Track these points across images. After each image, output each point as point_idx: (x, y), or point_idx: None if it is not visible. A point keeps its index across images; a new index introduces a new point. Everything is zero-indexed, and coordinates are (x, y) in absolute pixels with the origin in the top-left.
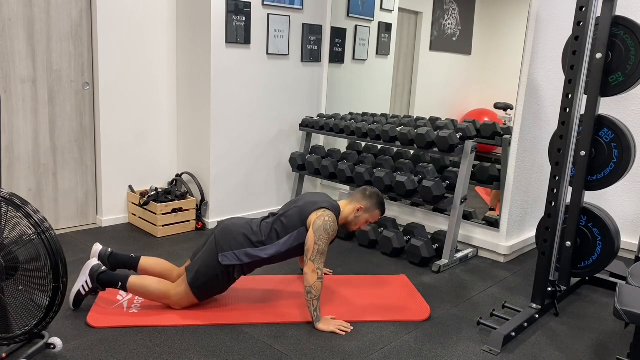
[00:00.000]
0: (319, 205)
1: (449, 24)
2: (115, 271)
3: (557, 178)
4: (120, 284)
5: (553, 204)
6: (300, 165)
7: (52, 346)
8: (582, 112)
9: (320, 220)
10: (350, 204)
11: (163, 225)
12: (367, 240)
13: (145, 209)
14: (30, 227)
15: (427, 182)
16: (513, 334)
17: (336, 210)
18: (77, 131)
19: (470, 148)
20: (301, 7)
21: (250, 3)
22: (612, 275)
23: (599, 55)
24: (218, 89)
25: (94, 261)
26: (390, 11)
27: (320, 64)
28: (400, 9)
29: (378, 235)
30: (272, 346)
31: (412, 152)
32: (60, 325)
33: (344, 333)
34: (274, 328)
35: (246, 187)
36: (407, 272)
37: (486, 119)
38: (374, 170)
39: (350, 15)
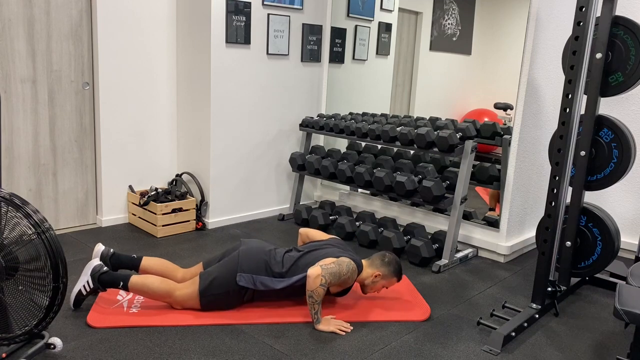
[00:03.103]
0: (346, 255)
1: (449, 24)
2: (116, 271)
3: (557, 178)
4: (121, 283)
5: (553, 204)
6: (300, 165)
7: (52, 346)
8: (582, 112)
9: (346, 259)
10: (369, 267)
11: (163, 225)
12: (367, 240)
13: (145, 209)
14: (30, 227)
15: (427, 182)
16: (513, 334)
17: (359, 267)
18: (77, 131)
19: (470, 148)
20: (301, 7)
21: (250, 3)
22: (612, 275)
23: (599, 55)
24: (218, 89)
25: (95, 261)
26: (390, 11)
27: (320, 64)
28: (400, 9)
29: (378, 235)
30: (272, 346)
31: (412, 152)
32: (60, 325)
33: (344, 333)
34: (274, 328)
35: (246, 187)
36: (407, 272)
37: (486, 119)
38: (374, 170)
39: (350, 15)
